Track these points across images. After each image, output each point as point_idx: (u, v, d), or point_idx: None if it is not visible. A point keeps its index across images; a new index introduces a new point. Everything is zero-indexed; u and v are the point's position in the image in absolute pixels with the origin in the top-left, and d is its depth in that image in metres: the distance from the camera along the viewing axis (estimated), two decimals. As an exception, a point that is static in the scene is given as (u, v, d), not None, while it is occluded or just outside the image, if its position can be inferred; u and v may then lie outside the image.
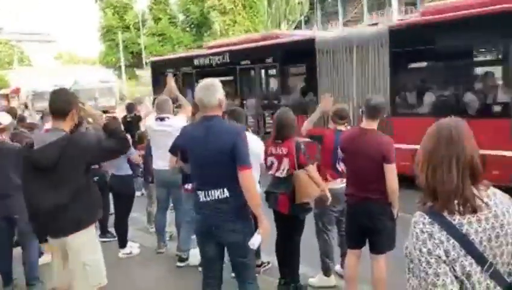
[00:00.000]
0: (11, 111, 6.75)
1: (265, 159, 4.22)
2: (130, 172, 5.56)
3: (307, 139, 4.57)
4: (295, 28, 40.97)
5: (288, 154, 4.02)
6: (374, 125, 3.76)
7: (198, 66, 12.66)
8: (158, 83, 13.81)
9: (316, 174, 4.08)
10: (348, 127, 4.59)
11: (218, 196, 3.00)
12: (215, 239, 3.14)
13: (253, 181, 3.06)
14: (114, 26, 43.46)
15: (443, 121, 1.64)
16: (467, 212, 1.52)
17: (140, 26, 41.91)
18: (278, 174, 4.13)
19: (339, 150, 4.12)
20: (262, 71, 11.79)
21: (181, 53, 14.94)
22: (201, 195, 3.05)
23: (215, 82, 3.12)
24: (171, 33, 43.57)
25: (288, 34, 12.77)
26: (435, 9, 8.28)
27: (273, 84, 11.90)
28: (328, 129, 4.59)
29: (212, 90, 3.02)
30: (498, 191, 1.63)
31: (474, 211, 1.52)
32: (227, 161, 2.93)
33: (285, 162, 4.04)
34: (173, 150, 3.85)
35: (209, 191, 3.01)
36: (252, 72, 11.73)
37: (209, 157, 2.98)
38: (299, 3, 44.27)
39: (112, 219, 5.88)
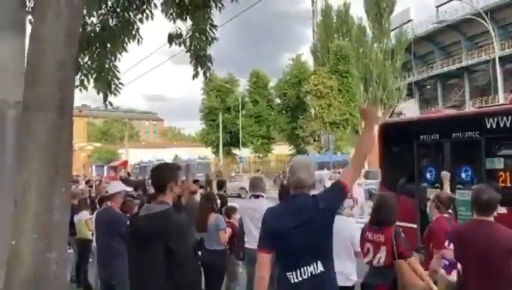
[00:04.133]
0: (139, 184, 7.22)
1: (362, 246, 4.00)
2: (222, 247, 5.56)
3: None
4: (391, 115, 40.56)
5: (386, 242, 3.78)
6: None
7: (497, 129, 7.61)
8: (393, 155, 9.80)
9: (419, 266, 3.77)
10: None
11: (311, 272, 2.78)
12: None
13: None
14: (216, 108, 46.38)
15: None
16: None
17: (239, 108, 44.23)
18: (374, 263, 3.87)
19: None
20: None
21: (441, 111, 9.61)
22: (291, 277, 2.81)
23: (312, 162, 3.11)
24: (267, 115, 45.38)
25: None
26: None
27: None
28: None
29: (312, 170, 2.97)
30: None
31: None
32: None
33: (382, 251, 3.79)
34: (267, 245, 2.94)
35: (302, 269, 2.79)
36: None
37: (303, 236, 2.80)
38: (396, 89, 44.27)
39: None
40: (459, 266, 3.33)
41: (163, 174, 3.13)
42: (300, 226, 2.78)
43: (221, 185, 9.04)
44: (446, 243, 3.42)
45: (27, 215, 2.97)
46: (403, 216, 7.71)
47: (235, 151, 47.86)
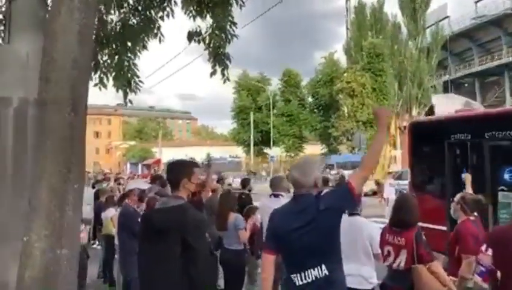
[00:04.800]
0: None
1: (382, 248, 3.86)
2: (241, 247, 5.50)
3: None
4: (427, 113, 39.57)
5: (407, 245, 3.61)
6: None
7: None
8: (423, 155, 9.47)
9: (442, 271, 3.58)
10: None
11: (316, 276, 2.70)
12: None
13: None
14: (247, 107, 46.42)
15: None
16: None
17: (270, 108, 44.09)
18: (394, 266, 3.72)
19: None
20: None
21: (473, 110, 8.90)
22: (296, 279, 2.74)
23: (312, 160, 2.99)
24: (299, 114, 45.05)
25: None
26: None
27: None
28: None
29: (311, 170, 2.84)
30: None
31: None
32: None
33: (403, 254, 3.63)
34: (271, 246, 2.90)
35: (306, 272, 2.70)
36: None
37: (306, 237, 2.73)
38: (432, 86, 43.15)
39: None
40: (498, 274, 3.11)
41: (176, 170, 3.13)
42: (302, 227, 2.71)
43: (245, 183, 8.95)
44: (483, 248, 3.20)
45: (39, 212, 2.98)
46: (433, 218, 7.46)
47: (266, 150, 47.84)
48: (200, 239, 2.94)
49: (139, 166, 58.36)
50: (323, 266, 2.69)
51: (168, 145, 70.46)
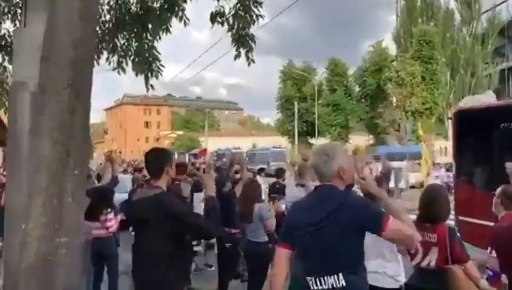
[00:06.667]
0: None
1: (410, 245, 3.49)
2: (265, 239, 5.27)
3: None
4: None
5: (438, 242, 3.23)
6: None
7: None
8: (469, 146, 8.87)
9: (476, 273, 3.19)
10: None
11: (332, 284, 2.39)
12: None
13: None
14: (292, 97, 45.92)
15: None
16: None
17: (315, 97, 43.38)
18: (423, 264, 3.34)
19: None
20: None
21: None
22: (311, 282, 2.45)
23: (335, 146, 2.61)
24: (345, 104, 44.00)
25: None
26: None
27: None
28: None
29: (331, 156, 2.50)
30: None
31: None
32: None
33: (434, 252, 3.25)
34: (285, 241, 2.63)
35: (322, 278, 2.40)
36: None
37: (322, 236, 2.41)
38: (486, 76, 40.81)
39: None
40: (503, 277, 2.75)
41: (160, 158, 3.16)
42: (316, 223, 2.39)
43: (279, 173, 8.75)
44: (488, 250, 2.86)
45: (36, 198, 2.89)
46: (478, 212, 6.92)
47: (311, 140, 47.19)
48: (176, 223, 3.02)
49: (187, 155, 59.42)
50: (341, 275, 2.37)
51: (215, 135, 71.25)
